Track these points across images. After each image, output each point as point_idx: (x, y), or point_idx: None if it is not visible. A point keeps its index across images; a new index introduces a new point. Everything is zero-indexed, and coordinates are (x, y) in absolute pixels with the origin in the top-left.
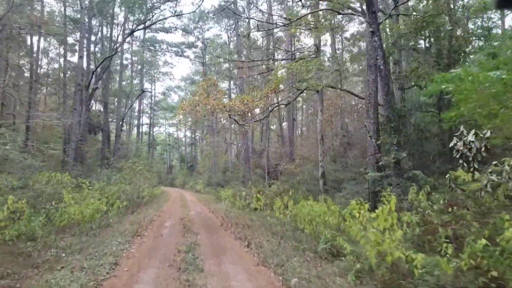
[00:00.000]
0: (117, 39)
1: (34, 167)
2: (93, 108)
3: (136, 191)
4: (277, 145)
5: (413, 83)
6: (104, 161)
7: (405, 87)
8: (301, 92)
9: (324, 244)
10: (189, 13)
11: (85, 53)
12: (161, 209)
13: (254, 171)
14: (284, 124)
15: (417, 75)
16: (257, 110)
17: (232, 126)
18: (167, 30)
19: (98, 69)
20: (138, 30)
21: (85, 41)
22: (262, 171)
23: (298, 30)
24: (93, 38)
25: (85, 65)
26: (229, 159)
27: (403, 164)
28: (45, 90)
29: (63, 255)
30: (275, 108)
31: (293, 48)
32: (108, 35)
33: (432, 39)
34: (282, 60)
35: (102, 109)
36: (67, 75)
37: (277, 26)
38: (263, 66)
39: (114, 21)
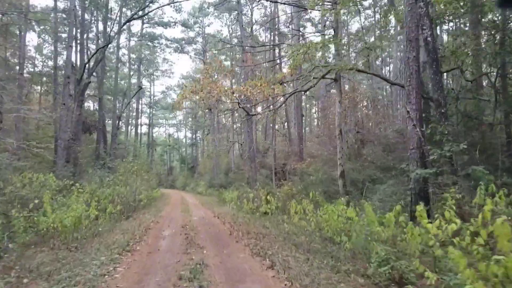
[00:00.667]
0: (111, 30)
1: (13, 168)
2: (91, 108)
3: (132, 194)
4: (283, 144)
5: (458, 64)
6: (99, 162)
7: (443, 70)
8: (323, 77)
9: (380, 266)
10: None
11: (78, 46)
12: (160, 214)
13: (259, 172)
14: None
15: (465, 53)
16: (259, 109)
17: (235, 126)
18: (166, 25)
19: (91, 62)
20: (134, 19)
21: (79, 34)
22: (268, 171)
23: (317, 8)
24: (89, 35)
25: (79, 58)
26: (231, 160)
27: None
28: (40, 88)
29: (25, 281)
30: (279, 105)
31: (300, 40)
32: (103, 29)
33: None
34: (298, 40)
35: (97, 107)
36: (60, 71)
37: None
38: (266, 64)
39: (110, 16)
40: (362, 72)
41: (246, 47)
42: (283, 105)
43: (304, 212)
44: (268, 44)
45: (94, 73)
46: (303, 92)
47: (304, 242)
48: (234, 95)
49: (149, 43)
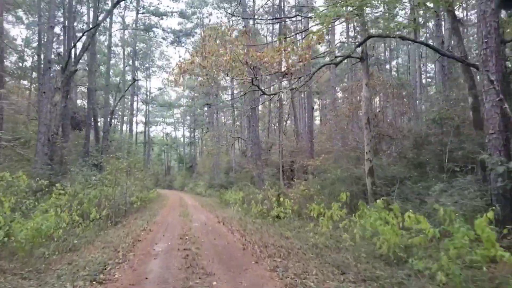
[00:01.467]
0: (100, 13)
1: None
2: (85, 104)
3: (122, 196)
4: (289, 140)
5: None
6: (84, 159)
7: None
8: (359, 46)
9: None
10: None
11: (66, 36)
12: (155, 219)
13: (263, 170)
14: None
15: None
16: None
17: (235, 124)
18: (162, 15)
19: (78, 46)
20: None
21: (67, 22)
22: (274, 170)
23: None
24: (79, 26)
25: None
26: (232, 158)
27: None
28: (29, 84)
29: None
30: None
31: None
32: (93, 17)
33: None
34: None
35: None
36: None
37: None
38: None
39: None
40: (408, 40)
41: (249, 30)
42: (290, 97)
43: (331, 217)
44: (279, 18)
45: (83, 62)
46: (313, 81)
47: (350, 263)
48: (250, 64)
49: (143, 33)
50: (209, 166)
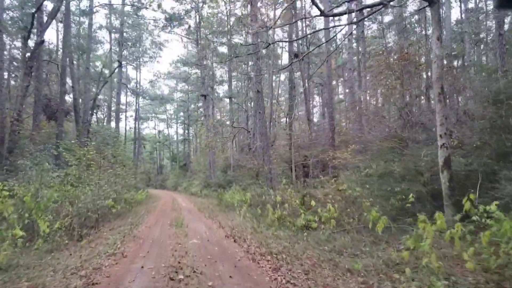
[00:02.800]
0: None
1: None
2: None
3: (94, 199)
4: (302, 130)
5: None
6: (43, 150)
7: None
8: None
9: None
10: None
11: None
12: (136, 231)
13: (273, 166)
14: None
15: None
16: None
17: (232, 121)
18: None
19: (45, 10)
20: None
21: None
22: (284, 166)
23: None
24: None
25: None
26: (230, 155)
27: None
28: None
29: None
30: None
31: None
32: None
33: None
34: None
35: (68, 86)
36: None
37: None
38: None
39: None
40: None
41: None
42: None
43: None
44: None
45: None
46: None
47: None
48: None
49: (132, 15)
50: (205, 164)
